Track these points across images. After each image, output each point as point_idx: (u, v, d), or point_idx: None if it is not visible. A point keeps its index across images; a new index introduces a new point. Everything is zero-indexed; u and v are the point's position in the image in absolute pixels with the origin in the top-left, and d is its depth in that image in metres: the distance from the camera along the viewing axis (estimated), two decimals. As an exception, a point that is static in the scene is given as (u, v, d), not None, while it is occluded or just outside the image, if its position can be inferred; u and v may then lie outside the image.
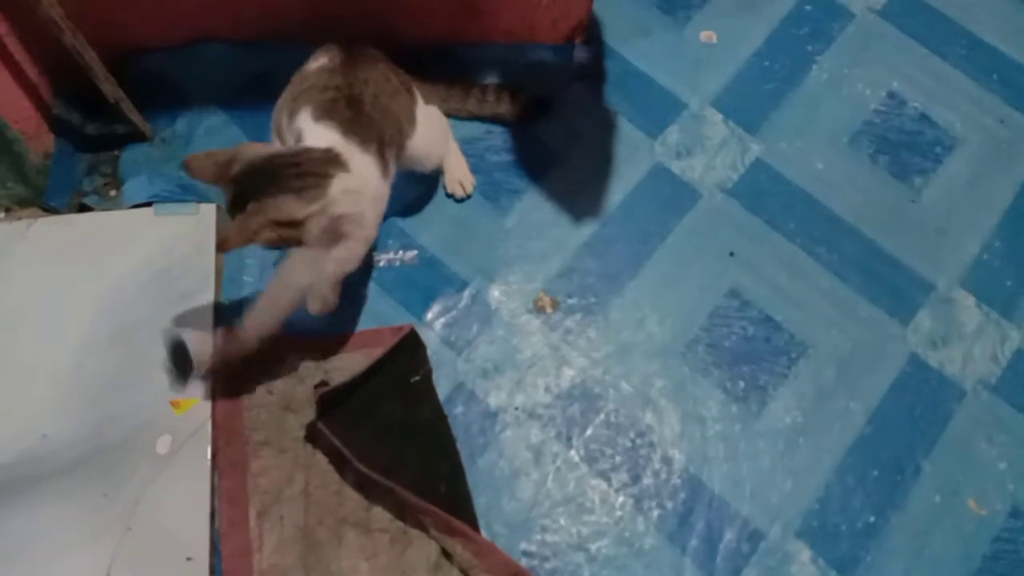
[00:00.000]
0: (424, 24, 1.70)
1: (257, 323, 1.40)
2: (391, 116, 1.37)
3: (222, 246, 1.15)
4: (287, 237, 1.15)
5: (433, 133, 1.55)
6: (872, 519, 1.48)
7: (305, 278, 1.38)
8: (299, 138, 1.26)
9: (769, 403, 1.55)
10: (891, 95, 1.84)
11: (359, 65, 1.37)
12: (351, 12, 1.64)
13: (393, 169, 1.38)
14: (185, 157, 1.15)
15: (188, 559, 1.36)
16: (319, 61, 1.38)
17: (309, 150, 1.20)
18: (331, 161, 1.19)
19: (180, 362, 1.45)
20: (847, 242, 1.69)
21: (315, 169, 1.17)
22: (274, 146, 1.21)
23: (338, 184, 1.18)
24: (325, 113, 1.26)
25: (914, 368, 1.59)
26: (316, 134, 1.24)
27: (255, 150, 1.16)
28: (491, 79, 1.76)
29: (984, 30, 1.92)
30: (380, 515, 1.42)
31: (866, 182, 1.75)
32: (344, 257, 1.33)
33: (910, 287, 1.66)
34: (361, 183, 1.24)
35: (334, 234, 1.25)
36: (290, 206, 1.13)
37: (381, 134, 1.31)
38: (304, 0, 1.63)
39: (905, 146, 1.79)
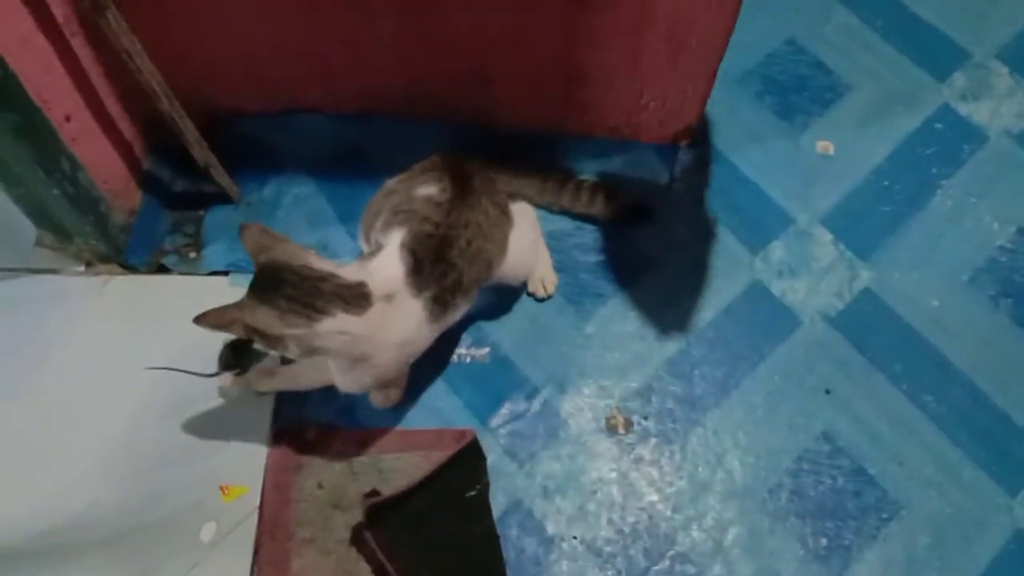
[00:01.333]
0: (526, 112, 1.64)
1: (267, 380, 1.44)
2: (481, 259, 1.33)
3: (198, 318, 1.13)
4: (265, 344, 1.15)
5: (524, 254, 1.47)
6: None
7: (325, 375, 1.32)
8: (378, 248, 1.26)
9: (853, 566, 1.41)
10: (1021, 232, 1.68)
11: (466, 204, 1.31)
12: (452, 94, 1.59)
13: (456, 314, 1.34)
14: (246, 223, 1.18)
15: (219, 657, 1.30)
16: (429, 188, 1.32)
17: (329, 277, 1.15)
18: (342, 298, 1.15)
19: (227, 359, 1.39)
20: (958, 394, 1.54)
21: (314, 299, 1.13)
22: (310, 255, 1.18)
23: (332, 324, 1.14)
24: (411, 243, 1.25)
25: (1020, 547, 1.43)
26: (389, 257, 1.24)
27: (290, 250, 1.16)
28: (588, 175, 1.68)
29: None
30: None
31: (985, 328, 1.59)
32: (371, 374, 1.29)
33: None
34: (373, 330, 1.19)
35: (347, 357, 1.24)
36: (267, 319, 1.12)
37: (455, 281, 1.28)
38: (405, 79, 1.58)
39: (1033, 291, 1.63)
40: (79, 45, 1.37)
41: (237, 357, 1.39)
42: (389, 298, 1.21)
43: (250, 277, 1.49)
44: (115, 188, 1.55)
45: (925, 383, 1.54)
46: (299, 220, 1.68)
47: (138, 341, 1.52)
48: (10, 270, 1.58)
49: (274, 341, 1.14)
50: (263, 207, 1.69)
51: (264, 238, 1.17)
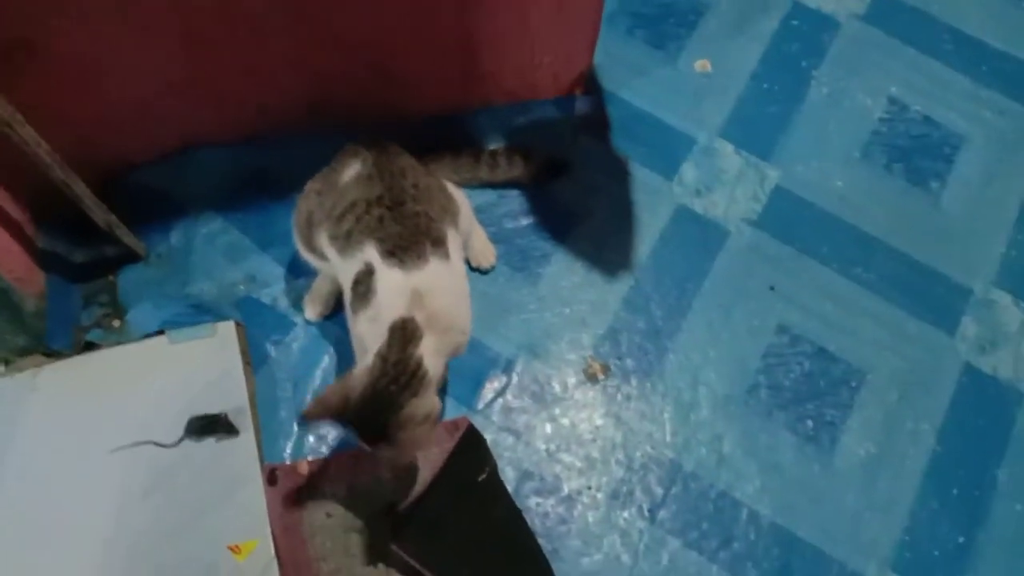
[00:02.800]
0: (425, 97, 1.63)
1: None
2: (436, 200, 1.30)
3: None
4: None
5: (469, 212, 1.48)
6: (961, 539, 1.46)
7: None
8: (369, 269, 1.20)
9: (840, 438, 1.52)
10: (892, 101, 1.83)
11: (391, 158, 1.29)
12: (350, 95, 1.56)
13: (460, 240, 1.33)
14: (303, 411, 1.15)
15: None
16: (352, 168, 1.27)
17: (389, 357, 1.14)
18: (410, 340, 1.15)
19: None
20: (881, 259, 1.67)
21: (410, 370, 1.14)
22: (364, 365, 1.16)
23: (427, 352, 1.16)
24: (386, 245, 1.20)
25: (970, 378, 1.58)
26: (388, 280, 1.19)
27: (358, 380, 1.14)
28: (495, 143, 1.69)
29: (967, 23, 1.92)
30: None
31: (886, 194, 1.73)
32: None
33: (949, 295, 1.65)
34: (437, 313, 1.19)
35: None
36: (420, 407, 1.13)
37: (433, 226, 1.24)
38: (303, 90, 1.53)
39: (916, 151, 1.78)
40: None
41: (203, 426, 1.38)
42: (418, 295, 1.18)
43: (187, 330, 1.45)
44: (19, 275, 1.43)
45: (851, 257, 1.66)
46: (216, 258, 1.60)
47: (93, 426, 1.42)
48: (-81, 392, 1.43)
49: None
50: (175, 256, 1.60)
51: (327, 401, 1.14)
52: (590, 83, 1.75)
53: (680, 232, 1.67)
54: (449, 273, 1.23)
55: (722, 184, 1.72)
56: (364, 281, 1.21)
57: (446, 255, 1.23)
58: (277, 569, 1.34)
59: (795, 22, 1.90)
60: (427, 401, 1.15)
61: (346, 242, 1.23)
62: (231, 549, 1.34)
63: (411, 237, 1.20)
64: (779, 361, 1.57)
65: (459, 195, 1.46)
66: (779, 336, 1.59)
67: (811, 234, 1.68)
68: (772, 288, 1.63)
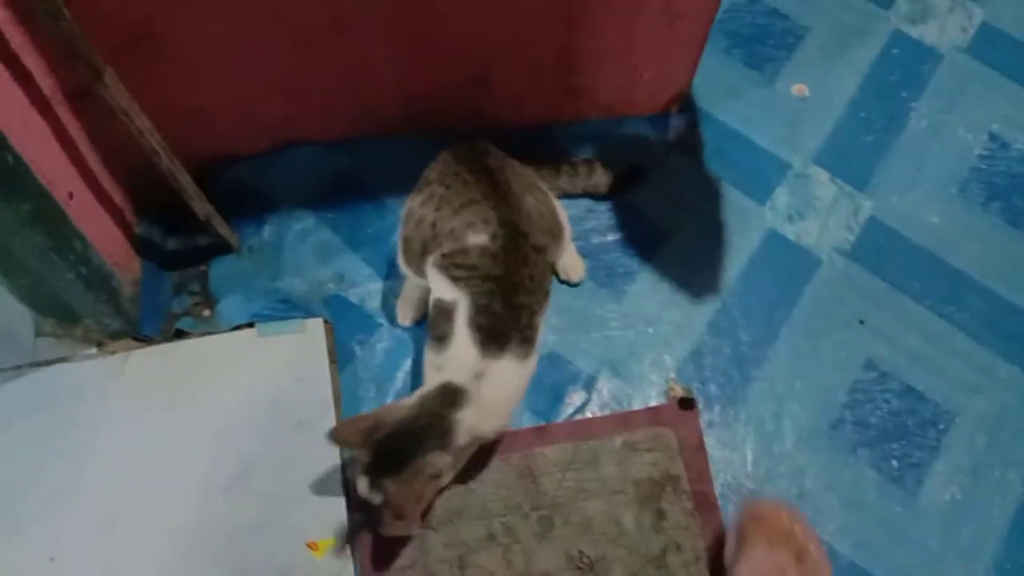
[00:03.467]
0: (519, 107, 1.63)
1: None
2: (544, 279, 1.30)
3: (397, 514, 1.19)
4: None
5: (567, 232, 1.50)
6: (1047, 592, 1.42)
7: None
8: (451, 311, 1.25)
9: (925, 480, 1.48)
10: (992, 137, 1.79)
11: (519, 233, 1.27)
12: (446, 102, 1.56)
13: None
14: (332, 428, 1.22)
15: None
16: (480, 237, 1.25)
17: (431, 406, 1.20)
18: (454, 403, 1.20)
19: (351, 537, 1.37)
20: (974, 299, 1.63)
21: (445, 425, 1.19)
22: (400, 403, 1.23)
23: (461, 425, 1.20)
24: (479, 318, 1.23)
25: (1062, 427, 1.53)
26: (462, 348, 1.23)
27: (393, 413, 1.20)
28: (586, 156, 1.68)
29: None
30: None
31: (982, 232, 1.69)
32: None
33: (1043, 341, 1.60)
34: (495, 392, 1.23)
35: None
36: (440, 460, 1.19)
37: (529, 313, 1.26)
38: (401, 97, 1.53)
39: (1015, 190, 1.74)
40: (67, 118, 1.27)
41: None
42: (479, 375, 1.21)
43: (276, 324, 1.46)
44: (119, 260, 1.45)
45: (944, 295, 1.63)
46: (307, 256, 1.61)
47: (179, 414, 1.44)
48: (14, 368, 1.46)
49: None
50: (266, 250, 1.62)
51: (359, 423, 1.20)
52: (686, 102, 1.74)
53: (770, 257, 1.65)
54: (517, 372, 1.25)
55: (815, 211, 1.69)
56: (447, 328, 1.24)
57: (524, 356, 1.25)
58: (353, 570, 1.34)
59: (895, 51, 1.87)
60: (446, 460, 1.20)
61: (451, 281, 1.26)
62: (309, 546, 1.35)
63: (503, 327, 1.23)
64: (866, 397, 1.54)
65: (564, 217, 1.47)
66: (867, 371, 1.56)
67: (904, 268, 1.64)
68: (862, 322, 1.60)
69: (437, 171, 1.35)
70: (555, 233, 1.39)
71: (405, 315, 1.53)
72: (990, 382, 1.56)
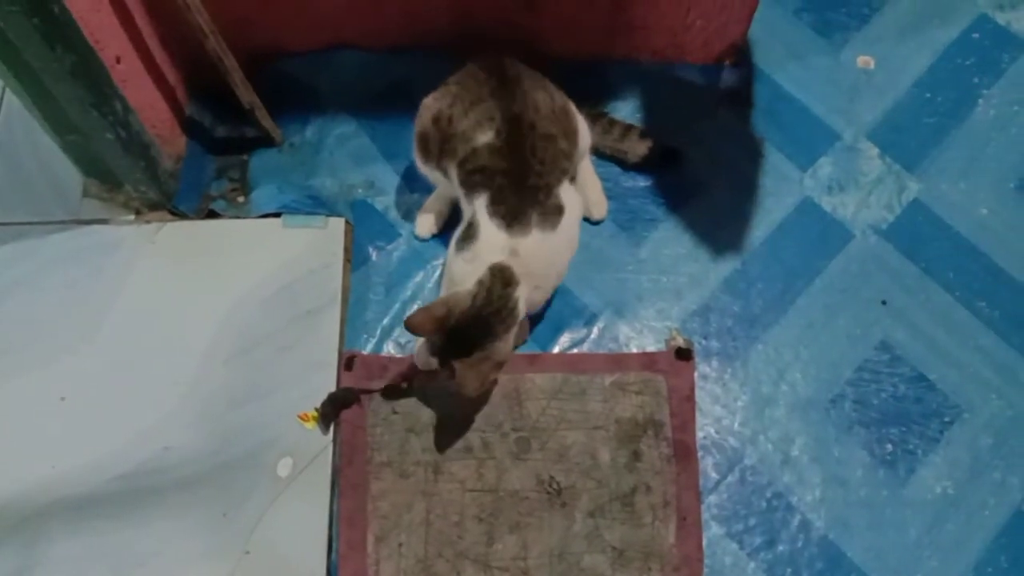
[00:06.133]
0: (573, 38, 1.62)
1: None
2: (558, 155, 1.34)
3: (466, 391, 1.27)
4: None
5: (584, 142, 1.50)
6: (1026, 605, 1.37)
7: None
8: (473, 216, 1.32)
9: (918, 470, 1.44)
10: (1065, 136, 1.69)
11: (523, 124, 1.31)
12: (500, 24, 1.57)
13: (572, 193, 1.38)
14: (405, 319, 1.24)
15: (304, 587, 1.32)
16: (486, 135, 1.31)
17: (492, 289, 1.26)
18: (509, 282, 1.27)
19: (327, 412, 1.42)
20: (1010, 298, 1.56)
21: (509, 306, 1.26)
22: (465, 290, 1.27)
23: (520, 299, 1.28)
24: (498, 209, 1.29)
25: (1080, 444, 1.46)
26: (490, 235, 1.29)
27: (461, 299, 1.25)
28: (632, 99, 1.67)
29: None
30: (501, 552, 1.37)
31: (1034, 233, 1.61)
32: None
33: (1078, 353, 1.52)
34: (534, 265, 1.29)
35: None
36: (504, 348, 1.27)
37: (546, 188, 1.31)
38: (453, 10, 1.55)
39: (1079, 195, 1.64)
40: (122, -16, 1.34)
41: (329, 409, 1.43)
42: (515, 253, 1.28)
43: (301, 217, 1.51)
44: (162, 133, 1.53)
45: (977, 289, 1.56)
46: (343, 160, 1.67)
47: (197, 285, 1.53)
48: (61, 223, 1.57)
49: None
50: (306, 148, 1.67)
51: (432, 311, 1.24)
52: (741, 56, 1.70)
53: (802, 226, 1.61)
54: (550, 242, 1.31)
55: (858, 186, 1.64)
56: (473, 229, 1.31)
57: (552, 227, 1.30)
58: (331, 449, 1.40)
59: (976, 35, 1.78)
60: (508, 346, 1.28)
61: (467, 185, 1.33)
62: (300, 417, 1.41)
63: (522, 208, 1.28)
64: (873, 378, 1.50)
65: (583, 126, 1.47)
66: (880, 352, 1.52)
67: (940, 256, 1.58)
68: (884, 302, 1.55)
69: (457, 75, 1.40)
70: (569, 132, 1.39)
71: (424, 226, 1.57)
72: (1009, 384, 1.50)
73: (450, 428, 1.44)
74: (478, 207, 1.30)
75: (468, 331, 1.24)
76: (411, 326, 1.24)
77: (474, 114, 1.32)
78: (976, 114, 1.70)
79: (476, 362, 1.24)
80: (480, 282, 1.26)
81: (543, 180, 1.30)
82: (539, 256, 1.30)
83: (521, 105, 1.31)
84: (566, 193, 1.34)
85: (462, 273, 1.30)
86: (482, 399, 1.45)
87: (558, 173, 1.32)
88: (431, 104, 1.39)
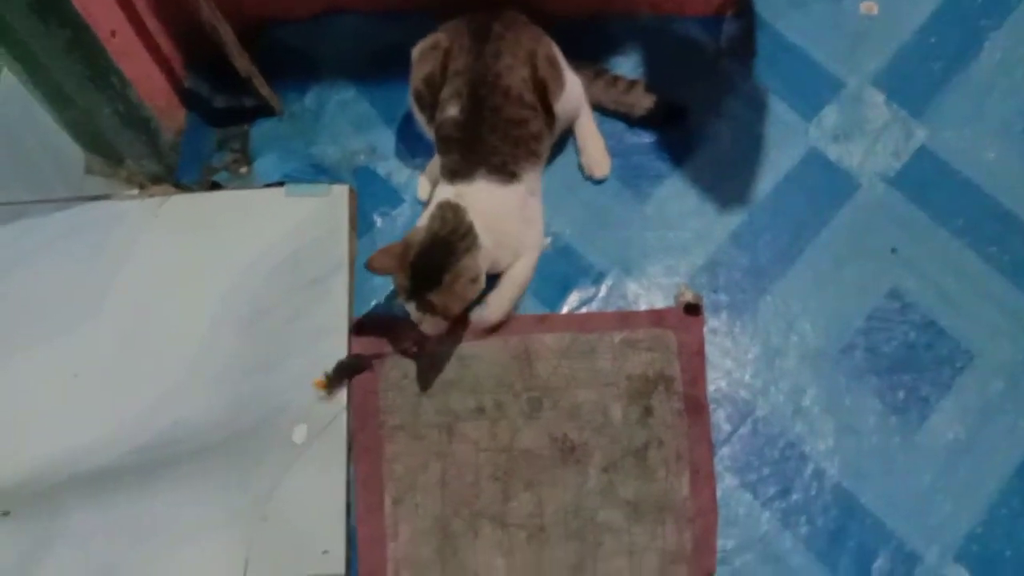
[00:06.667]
0: (571, -4, 1.60)
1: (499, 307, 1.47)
2: (525, 145, 1.41)
3: (447, 317, 1.34)
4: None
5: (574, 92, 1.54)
6: (1040, 546, 1.37)
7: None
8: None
9: (930, 416, 1.44)
10: (1074, 78, 1.67)
11: (485, 111, 1.38)
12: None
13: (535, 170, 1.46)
14: (366, 261, 1.32)
15: (324, 552, 1.34)
16: (452, 111, 1.40)
17: (446, 213, 1.34)
18: (462, 214, 1.34)
19: (337, 376, 1.43)
20: (1019, 242, 1.55)
21: (464, 227, 1.32)
22: (420, 224, 1.36)
23: (475, 227, 1.33)
24: (449, 167, 1.42)
25: (1091, 384, 1.46)
26: (441, 186, 1.42)
27: (418, 231, 1.33)
28: (633, 55, 1.65)
29: None
30: (517, 509, 1.38)
31: (1042, 176, 1.59)
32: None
33: (1088, 294, 1.51)
34: (480, 208, 1.36)
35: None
36: (471, 266, 1.31)
37: (503, 158, 1.39)
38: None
39: (1088, 135, 1.62)
40: (114, -44, 1.33)
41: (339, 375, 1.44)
42: (459, 195, 1.36)
43: (305, 186, 1.51)
44: (161, 106, 1.53)
45: (987, 235, 1.55)
46: (344, 126, 1.66)
47: (203, 258, 1.53)
48: (64, 200, 1.56)
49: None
50: (306, 116, 1.67)
51: (392, 250, 1.32)
52: (742, 6, 1.68)
53: (808, 176, 1.60)
54: (498, 192, 1.38)
55: (863, 134, 1.63)
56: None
57: (502, 183, 1.38)
58: (346, 416, 1.41)
59: (983, -25, 1.75)
60: (477, 264, 1.31)
61: (437, 145, 1.46)
62: (316, 384, 1.41)
63: (469, 168, 1.38)
64: (883, 326, 1.50)
65: (573, 92, 1.52)
66: (890, 301, 1.51)
67: (949, 202, 1.57)
68: (894, 250, 1.54)
69: (448, 27, 1.46)
70: (547, 106, 1.45)
71: (427, 189, 1.57)
72: (1020, 329, 1.49)
73: (462, 389, 1.44)
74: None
75: (431, 258, 1.28)
76: (372, 266, 1.30)
77: (450, 86, 1.40)
78: (982, 58, 1.68)
79: (450, 284, 1.28)
80: (431, 215, 1.34)
81: (498, 156, 1.37)
82: (484, 201, 1.35)
83: (489, 89, 1.37)
84: (531, 180, 1.44)
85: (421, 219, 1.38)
86: (495, 359, 1.46)
87: (523, 153, 1.40)
88: (421, 63, 1.43)
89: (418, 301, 1.30)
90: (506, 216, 1.40)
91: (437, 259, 1.28)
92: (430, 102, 1.43)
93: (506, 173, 1.38)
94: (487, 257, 1.35)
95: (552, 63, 1.45)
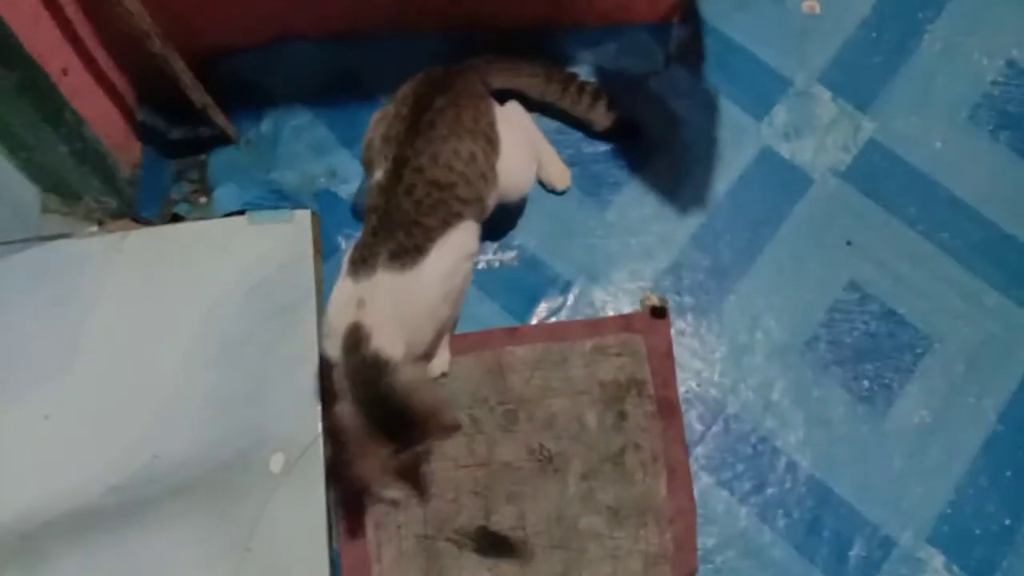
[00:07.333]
0: (518, 9, 1.62)
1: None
2: (446, 206, 1.28)
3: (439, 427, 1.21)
4: None
5: (517, 172, 1.45)
6: (1008, 522, 1.42)
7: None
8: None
9: (896, 402, 1.48)
10: (1010, 64, 1.72)
11: (406, 170, 1.28)
12: (445, 1, 1.56)
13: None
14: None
15: (308, 579, 1.34)
16: (378, 175, 1.31)
17: (350, 364, 1.22)
18: (359, 342, 1.21)
19: None
20: (970, 227, 1.59)
21: (371, 364, 1.20)
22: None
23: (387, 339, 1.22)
24: (355, 248, 1.29)
25: (1047, 361, 1.51)
26: (340, 280, 1.29)
27: (345, 412, 1.21)
28: (583, 65, 1.67)
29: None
30: (499, 523, 1.40)
31: (988, 161, 1.65)
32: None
33: (1039, 273, 1.56)
34: (381, 318, 1.23)
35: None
36: (408, 371, 1.23)
37: (416, 228, 1.26)
38: (394, -12, 1.54)
39: (1028, 119, 1.67)
40: (62, -4, 1.32)
41: None
42: (362, 303, 1.23)
43: (266, 213, 1.51)
44: (117, 142, 1.52)
45: (939, 221, 1.59)
46: (302, 151, 1.66)
47: (170, 292, 1.51)
48: (22, 241, 1.54)
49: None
50: (263, 143, 1.66)
51: (357, 463, 1.21)
52: (688, 12, 1.71)
53: (762, 174, 1.63)
54: (400, 287, 1.24)
55: (813, 130, 1.66)
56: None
57: (406, 267, 1.24)
58: (321, 443, 1.41)
59: (917, -30, 1.80)
60: (411, 370, 1.22)
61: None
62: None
63: (374, 250, 1.24)
64: (844, 317, 1.53)
65: (521, 124, 1.49)
66: (849, 292, 1.55)
67: (900, 192, 1.61)
68: (849, 243, 1.58)
69: (403, 88, 1.38)
70: (485, 175, 1.35)
71: None
72: (976, 310, 1.54)
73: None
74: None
75: (379, 412, 1.18)
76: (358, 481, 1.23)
77: (383, 148, 1.32)
78: (922, 48, 1.73)
79: (413, 415, 1.17)
80: (344, 374, 1.21)
81: (413, 222, 1.25)
82: (386, 298, 1.23)
83: (415, 151, 1.27)
84: (454, 234, 1.29)
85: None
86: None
87: (443, 215, 1.27)
88: (371, 124, 1.40)
89: (411, 452, 1.20)
90: (412, 312, 1.26)
91: (383, 409, 1.17)
92: (368, 157, 1.37)
93: (412, 252, 1.24)
94: (408, 358, 1.24)
95: (496, 142, 1.39)
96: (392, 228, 1.25)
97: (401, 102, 1.35)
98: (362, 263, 1.24)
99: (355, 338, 1.20)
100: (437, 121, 1.30)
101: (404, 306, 1.24)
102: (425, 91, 1.34)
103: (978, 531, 1.41)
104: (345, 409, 1.20)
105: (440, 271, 1.27)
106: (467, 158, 1.31)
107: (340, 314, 1.23)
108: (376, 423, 1.17)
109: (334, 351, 1.23)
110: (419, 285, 1.25)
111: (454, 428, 1.20)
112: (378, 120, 1.38)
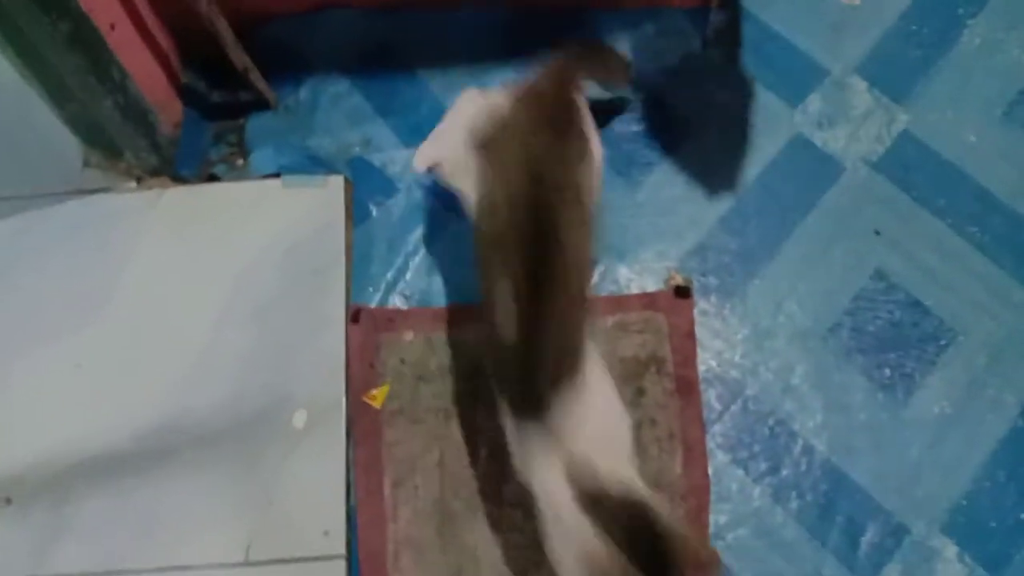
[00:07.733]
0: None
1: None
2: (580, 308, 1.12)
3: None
4: None
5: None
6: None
7: None
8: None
9: (916, 392, 1.48)
10: (1051, 61, 1.71)
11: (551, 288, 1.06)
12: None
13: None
14: None
15: (325, 533, 1.37)
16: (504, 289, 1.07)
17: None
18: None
19: None
20: (1000, 221, 1.58)
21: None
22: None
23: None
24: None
25: (1072, 355, 1.50)
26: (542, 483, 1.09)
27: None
28: (622, 45, 1.68)
29: None
30: (514, 489, 1.40)
31: (1021, 157, 1.63)
32: None
33: (1067, 272, 1.55)
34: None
35: None
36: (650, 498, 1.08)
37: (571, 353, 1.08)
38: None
39: (1065, 118, 1.66)
40: (113, -49, 1.36)
41: None
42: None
43: (301, 177, 1.54)
44: (159, 100, 1.55)
45: (968, 214, 1.59)
46: (339, 119, 1.68)
47: (203, 250, 1.55)
48: (63, 193, 1.59)
49: None
50: (301, 110, 1.69)
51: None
52: (727, -3, 1.72)
53: (793, 161, 1.63)
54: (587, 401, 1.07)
55: (847, 120, 1.66)
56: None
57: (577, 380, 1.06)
58: (344, 402, 1.43)
59: (961, -35, 1.79)
60: (647, 494, 1.07)
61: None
62: (367, 398, 1.45)
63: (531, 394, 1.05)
64: (869, 305, 1.53)
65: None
66: (875, 281, 1.55)
67: (931, 184, 1.61)
68: (878, 232, 1.58)
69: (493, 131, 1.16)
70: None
71: (426, 157, 1.29)
72: (1002, 305, 1.53)
73: (459, 375, 1.47)
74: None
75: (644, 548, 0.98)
76: None
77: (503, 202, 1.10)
78: (961, 43, 1.72)
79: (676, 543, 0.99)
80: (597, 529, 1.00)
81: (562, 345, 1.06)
82: (581, 427, 1.05)
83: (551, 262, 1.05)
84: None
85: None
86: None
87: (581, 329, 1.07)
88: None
89: None
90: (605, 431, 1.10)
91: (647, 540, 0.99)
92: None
93: (572, 370, 1.05)
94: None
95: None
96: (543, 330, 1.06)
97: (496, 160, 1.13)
98: (528, 407, 1.07)
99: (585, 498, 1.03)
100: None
101: (594, 430, 1.09)
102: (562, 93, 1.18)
103: (993, 524, 1.41)
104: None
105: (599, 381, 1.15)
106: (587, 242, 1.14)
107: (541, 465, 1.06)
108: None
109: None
110: (596, 395, 1.11)
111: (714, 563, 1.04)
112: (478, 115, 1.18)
